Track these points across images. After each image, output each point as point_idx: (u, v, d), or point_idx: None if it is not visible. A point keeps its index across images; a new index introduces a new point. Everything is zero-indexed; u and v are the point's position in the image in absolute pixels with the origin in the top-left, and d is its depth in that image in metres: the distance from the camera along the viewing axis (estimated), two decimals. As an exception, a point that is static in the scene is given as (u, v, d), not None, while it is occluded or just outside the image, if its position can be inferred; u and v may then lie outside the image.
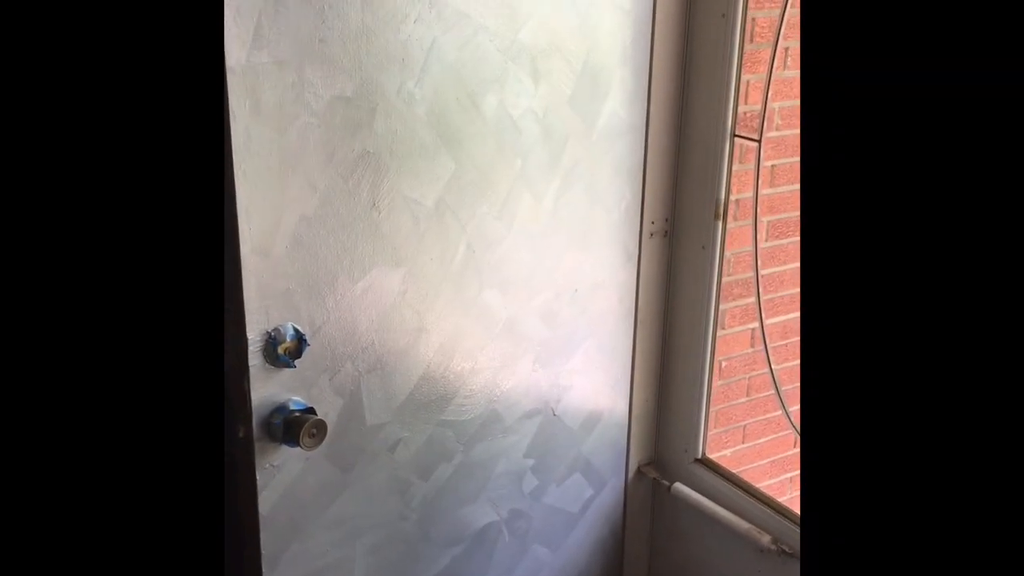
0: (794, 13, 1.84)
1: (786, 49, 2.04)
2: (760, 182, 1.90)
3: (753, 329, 2.19)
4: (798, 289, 2.02)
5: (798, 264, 2.03)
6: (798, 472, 2.28)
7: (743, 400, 2.24)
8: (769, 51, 1.93)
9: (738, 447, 2.27)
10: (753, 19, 1.93)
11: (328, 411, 1.46)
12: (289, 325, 1.37)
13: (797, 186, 2.14)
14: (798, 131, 1.95)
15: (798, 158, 1.95)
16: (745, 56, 1.72)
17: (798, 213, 1.98)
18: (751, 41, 1.92)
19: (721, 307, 1.89)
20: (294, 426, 1.38)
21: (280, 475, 1.43)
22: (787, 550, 1.73)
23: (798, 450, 2.33)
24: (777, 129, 2.11)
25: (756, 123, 1.88)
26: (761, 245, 2.14)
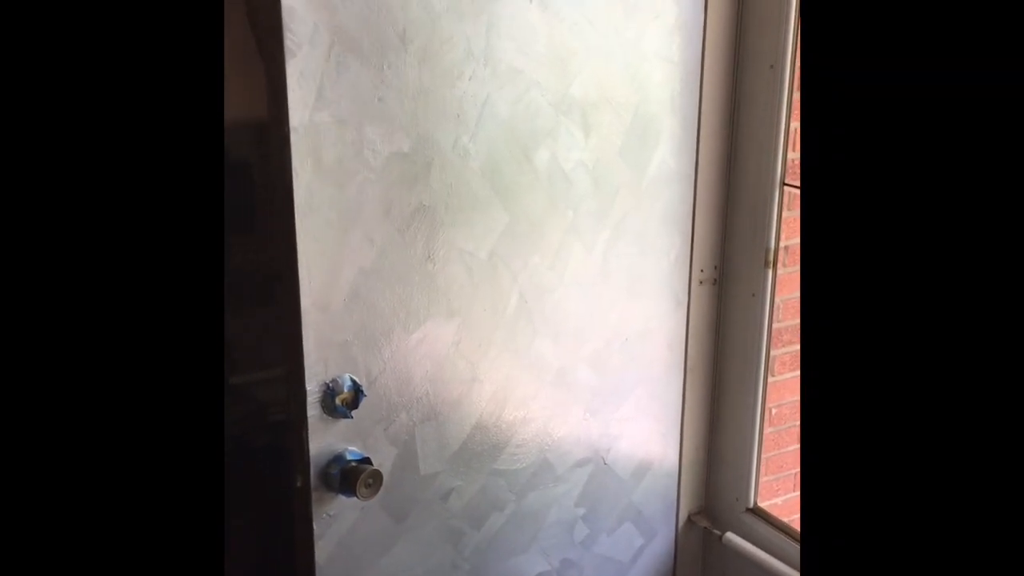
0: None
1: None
2: (809, 229, 1.89)
3: (803, 375, 2.17)
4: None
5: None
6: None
7: (794, 447, 2.22)
8: (816, 98, 1.93)
9: (789, 495, 2.23)
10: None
11: (383, 461, 1.47)
12: (346, 376, 1.39)
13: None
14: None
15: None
16: (793, 103, 1.73)
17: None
18: (799, 89, 1.93)
19: (771, 353, 1.88)
20: (351, 476, 1.39)
21: (336, 525, 1.45)
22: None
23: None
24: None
25: (805, 170, 1.88)
26: (810, 291, 2.12)
